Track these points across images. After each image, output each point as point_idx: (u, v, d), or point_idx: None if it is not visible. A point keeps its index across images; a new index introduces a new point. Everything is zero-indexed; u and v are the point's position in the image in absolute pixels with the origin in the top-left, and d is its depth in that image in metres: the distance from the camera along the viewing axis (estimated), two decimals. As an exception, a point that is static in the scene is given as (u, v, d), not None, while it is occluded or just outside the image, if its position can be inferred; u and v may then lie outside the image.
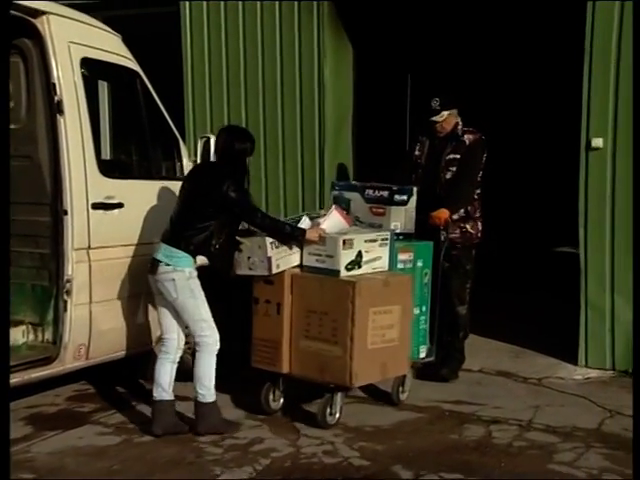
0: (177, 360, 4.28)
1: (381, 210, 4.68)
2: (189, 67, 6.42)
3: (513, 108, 8.45)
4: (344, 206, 4.75)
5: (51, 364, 4.34)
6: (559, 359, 5.49)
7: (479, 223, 5.19)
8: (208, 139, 4.99)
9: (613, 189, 5.18)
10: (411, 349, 4.72)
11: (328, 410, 4.36)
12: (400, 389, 4.73)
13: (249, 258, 4.33)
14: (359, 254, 4.34)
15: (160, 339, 4.35)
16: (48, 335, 4.47)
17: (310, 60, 6.06)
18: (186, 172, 5.03)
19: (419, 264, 4.76)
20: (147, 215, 4.71)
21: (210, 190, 4.10)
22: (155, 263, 4.15)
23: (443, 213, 4.90)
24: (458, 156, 5.07)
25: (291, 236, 4.32)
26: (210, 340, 4.19)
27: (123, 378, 5.06)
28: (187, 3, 6.34)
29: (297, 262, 4.40)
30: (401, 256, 4.63)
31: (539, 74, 8.53)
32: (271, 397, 4.55)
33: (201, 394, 4.21)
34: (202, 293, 4.18)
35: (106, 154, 5.38)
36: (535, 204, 7.91)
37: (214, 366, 4.21)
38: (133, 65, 4.84)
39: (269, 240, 4.25)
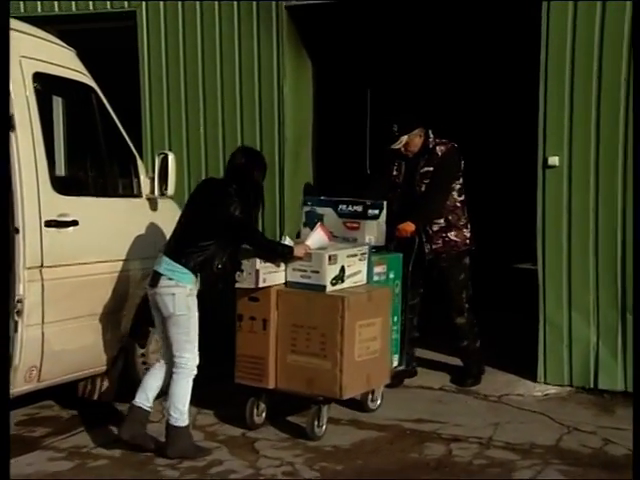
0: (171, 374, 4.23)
1: (355, 224, 4.83)
2: (146, 83, 6.34)
3: (473, 125, 8.52)
4: (316, 222, 4.81)
5: (1, 387, 4.21)
6: (519, 376, 5.51)
7: (465, 230, 5.28)
8: (166, 156, 4.96)
9: (569, 207, 5.23)
10: (386, 359, 4.83)
11: (316, 422, 4.43)
12: (370, 397, 4.85)
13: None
14: (342, 269, 4.47)
15: (158, 351, 4.36)
16: (-2, 357, 4.34)
17: (269, 77, 6.03)
18: (143, 189, 5.00)
19: (391, 276, 4.91)
20: (103, 233, 4.63)
21: (217, 209, 4.13)
22: (157, 276, 4.14)
23: (408, 226, 5.03)
24: (431, 168, 5.19)
25: (282, 254, 4.41)
26: (190, 363, 4.17)
27: (77, 400, 4.92)
28: (144, 19, 6.26)
29: (283, 280, 4.49)
30: (376, 269, 4.77)
31: (496, 91, 8.63)
32: (255, 412, 4.60)
33: (174, 417, 4.15)
34: (197, 313, 4.17)
35: (60, 171, 5.27)
36: (495, 221, 7.97)
37: (190, 390, 4.18)
38: (88, 80, 4.77)
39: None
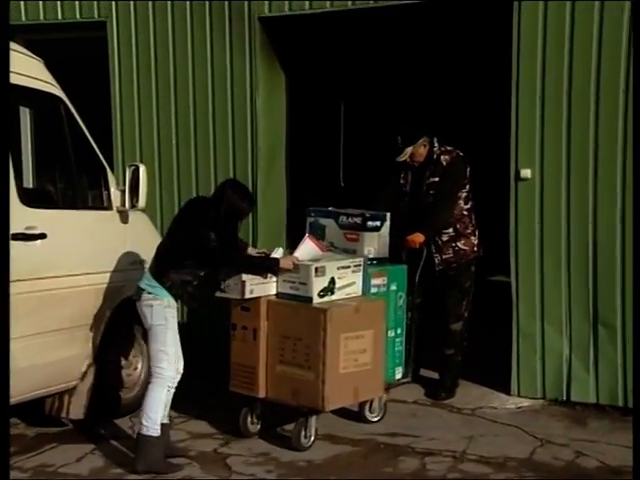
0: (175, 386, 4.26)
1: (354, 236, 4.82)
2: (117, 94, 6.26)
3: (446, 137, 8.54)
4: (319, 232, 4.87)
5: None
6: (492, 389, 5.50)
7: (472, 238, 5.34)
8: (137, 167, 4.89)
9: (542, 219, 5.25)
10: (387, 371, 4.85)
11: (303, 433, 4.46)
12: (368, 408, 4.87)
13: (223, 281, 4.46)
14: (332, 281, 4.49)
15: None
16: (-38, 374, 4.23)
17: (242, 88, 5.98)
18: (114, 201, 4.93)
19: (393, 287, 4.89)
20: (72, 246, 4.56)
21: (193, 231, 4.21)
22: (139, 290, 4.28)
23: (418, 237, 5.09)
24: (437, 179, 5.24)
25: (267, 268, 4.47)
26: (165, 373, 4.19)
27: (44, 416, 4.81)
28: (115, 29, 6.20)
29: (273, 291, 4.54)
30: (375, 281, 4.76)
31: (467, 103, 8.67)
32: (249, 420, 4.65)
33: (145, 426, 4.15)
34: (175, 325, 4.25)
35: (28, 183, 5.18)
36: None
37: (163, 401, 4.20)
38: (56, 91, 4.69)
39: None
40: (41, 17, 6.36)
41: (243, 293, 4.40)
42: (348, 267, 4.58)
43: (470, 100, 8.59)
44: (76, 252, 4.57)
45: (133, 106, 6.25)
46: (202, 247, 4.19)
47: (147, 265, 4.95)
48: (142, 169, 4.88)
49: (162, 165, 6.21)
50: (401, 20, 6.37)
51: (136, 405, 5.10)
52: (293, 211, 6.37)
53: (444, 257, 5.27)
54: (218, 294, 4.48)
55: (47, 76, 4.66)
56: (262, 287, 4.49)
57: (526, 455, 4.46)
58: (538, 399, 5.34)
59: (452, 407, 5.28)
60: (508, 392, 5.39)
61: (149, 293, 4.21)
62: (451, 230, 5.26)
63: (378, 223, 4.84)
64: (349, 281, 4.58)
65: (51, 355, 4.46)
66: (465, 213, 5.31)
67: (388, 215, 4.87)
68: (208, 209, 4.31)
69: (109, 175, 4.99)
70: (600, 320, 5.15)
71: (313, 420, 4.49)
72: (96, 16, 6.26)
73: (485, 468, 4.28)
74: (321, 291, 4.44)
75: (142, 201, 4.90)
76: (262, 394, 4.56)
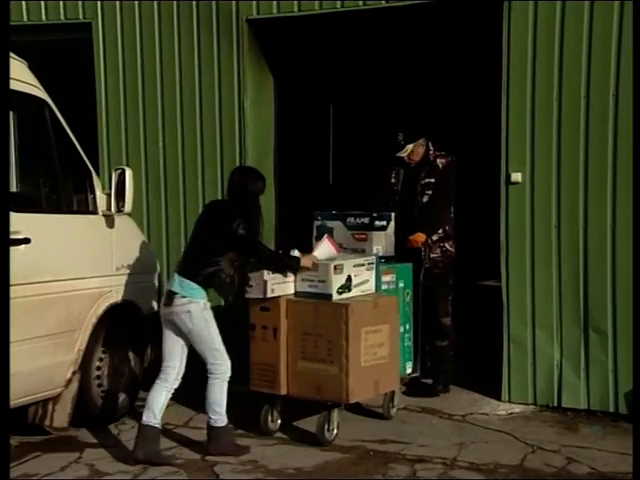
0: (173, 389, 4.42)
1: (363, 236, 5.05)
2: (103, 97, 6.19)
3: (436, 141, 8.52)
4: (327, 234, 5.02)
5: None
6: (483, 394, 5.48)
7: (452, 240, 5.54)
8: (123, 171, 4.85)
9: (532, 224, 5.23)
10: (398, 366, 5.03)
11: (326, 427, 4.58)
12: (390, 404, 5.03)
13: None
14: (349, 278, 4.68)
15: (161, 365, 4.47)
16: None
17: (230, 91, 5.93)
18: (99, 205, 4.88)
19: (401, 285, 5.11)
20: (57, 251, 4.50)
21: (220, 226, 4.37)
22: (171, 294, 4.36)
23: (420, 237, 5.31)
24: (433, 180, 5.43)
25: (288, 265, 4.63)
26: (222, 368, 4.40)
27: (28, 425, 4.72)
28: (100, 31, 6.12)
29: (292, 290, 4.70)
30: (385, 278, 4.98)
31: (458, 106, 8.66)
32: (269, 418, 4.77)
33: (213, 419, 4.42)
34: (214, 323, 4.41)
35: (12, 187, 5.11)
36: (460, 236, 7.97)
37: (225, 393, 4.41)
38: (40, 93, 4.62)
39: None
40: (24, 18, 6.27)
41: (265, 292, 4.55)
42: (362, 265, 4.78)
43: (460, 103, 8.58)
44: (61, 257, 4.52)
45: (119, 109, 6.18)
46: (229, 238, 4.34)
47: (130, 270, 4.97)
48: (128, 173, 4.85)
49: (149, 169, 6.15)
50: (390, 22, 6.34)
51: (123, 412, 5.05)
52: (282, 213, 6.32)
53: (432, 256, 5.43)
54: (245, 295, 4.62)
55: (31, 78, 4.59)
56: (282, 286, 4.64)
57: (517, 461, 4.43)
58: (529, 405, 5.31)
59: (443, 413, 5.25)
60: (499, 398, 5.37)
61: (183, 297, 4.32)
62: (441, 231, 5.45)
63: (384, 222, 5.06)
64: (364, 279, 4.77)
65: (35, 362, 4.39)
66: (452, 216, 5.52)
67: (393, 215, 5.09)
68: (228, 202, 4.52)
69: (95, 179, 4.93)
70: (591, 325, 5.13)
71: (335, 414, 4.62)
72: (81, 17, 6.19)
73: (476, 475, 4.25)
74: (339, 288, 4.62)
75: (128, 205, 4.86)
76: (284, 391, 4.69)
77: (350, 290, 4.68)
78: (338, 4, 5.65)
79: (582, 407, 5.19)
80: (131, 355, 5.17)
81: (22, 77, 4.50)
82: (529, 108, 5.19)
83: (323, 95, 7.89)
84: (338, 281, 4.61)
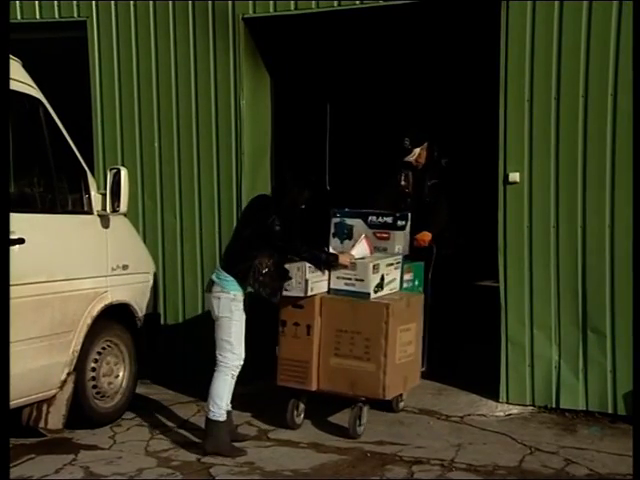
0: (235, 375, 4.50)
1: (385, 235, 5.12)
2: (98, 96, 6.15)
3: (435, 140, 8.49)
4: (346, 232, 5.16)
5: None
6: (481, 396, 5.46)
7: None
8: (118, 171, 4.82)
9: (530, 224, 5.21)
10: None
11: (357, 422, 4.71)
12: (399, 398, 5.17)
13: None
14: (382, 277, 4.80)
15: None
16: None
17: (226, 90, 5.89)
18: (94, 205, 4.85)
19: (416, 283, 5.25)
20: (51, 251, 4.47)
21: (257, 220, 4.51)
22: (209, 283, 4.59)
23: (426, 236, 5.49)
24: (438, 181, 5.64)
25: (326, 261, 4.73)
26: (228, 362, 4.46)
27: (22, 427, 4.67)
28: (95, 29, 6.08)
29: (325, 288, 4.78)
30: (405, 276, 5.09)
31: (456, 106, 8.63)
32: (295, 412, 4.86)
33: (212, 411, 4.44)
34: (242, 317, 4.49)
35: (6, 186, 5.07)
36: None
37: (228, 387, 4.46)
38: (35, 92, 4.59)
39: (307, 264, 4.64)
40: (18, 16, 6.22)
41: (306, 291, 4.63)
42: (392, 264, 4.90)
43: (458, 103, 8.55)
44: (55, 257, 4.49)
45: (114, 108, 6.14)
46: (268, 234, 4.45)
47: (125, 270, 5.01)
48: (124, 172, 4.83)
49: (144, 168, 6.10)
50: (387, 21, 6.31)
51: (118, 414, 5.02)
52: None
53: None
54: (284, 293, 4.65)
55: (25, 77, 4.55)
56: (319, 285, 4.73)
57: (515, 463, 4.42)
58: (527, 406, 5.30)
59: (440, 414, 5.23)
60: (497, 399, 5.35)
61: (218, 285, 4.48)
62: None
63: (404, 222, 5.15)
64: (393, 277, 4.90)
65: (30, 363, 4.35)
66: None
67: (409, 215, 5.16)
68: (271, 201, 4.65)
69: (90, 178, 4.90)
70: (589, 326, 5.11)
71: (365, 409, 4.74)
72: (76, 15, 6.15)
73: (474, 476, 4.23)
74: (375, 287, 4.73)
75: (124, 205, 4.84)
76: (315, 387, 4.76)
77: (382, 288, 4.78)
78: (335, 3, 5.62)
79: (580, 408, 5.18)
80: (127, 356, 5.13)
81: (16, 76, 4.46)
82: (527, 108, 5.17)
83: (320, 94, 7.86)
84: (375, 280, 4.70)
